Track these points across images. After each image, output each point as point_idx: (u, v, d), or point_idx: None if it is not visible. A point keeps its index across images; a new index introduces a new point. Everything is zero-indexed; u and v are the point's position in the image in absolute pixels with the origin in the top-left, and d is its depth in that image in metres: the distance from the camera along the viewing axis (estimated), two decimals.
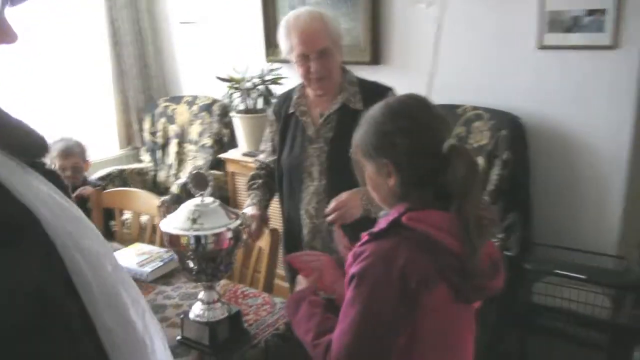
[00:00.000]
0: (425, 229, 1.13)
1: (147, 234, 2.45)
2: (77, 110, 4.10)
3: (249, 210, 2.01)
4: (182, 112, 3.98)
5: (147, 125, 4.11)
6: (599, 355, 2.32)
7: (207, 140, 3.78)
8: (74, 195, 2.60)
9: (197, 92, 4.07)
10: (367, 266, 1.14)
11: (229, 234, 1.49)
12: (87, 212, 2.63)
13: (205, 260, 1.50)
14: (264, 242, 2.02)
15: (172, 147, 3.97)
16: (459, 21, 2.89)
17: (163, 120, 4.04)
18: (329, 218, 1.82)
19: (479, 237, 1.14)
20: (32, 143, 0.75)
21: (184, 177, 3.58)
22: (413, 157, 1.17)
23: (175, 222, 1.49)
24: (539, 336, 2.46)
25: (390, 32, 3.17)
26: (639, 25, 2.39)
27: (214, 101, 3.85)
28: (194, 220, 1.48)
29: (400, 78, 3.13)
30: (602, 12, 2.46)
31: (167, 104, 4.08)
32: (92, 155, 3.97)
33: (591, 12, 2.49)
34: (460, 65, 2.94)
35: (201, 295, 1.59)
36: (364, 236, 1.21)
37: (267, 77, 3.40)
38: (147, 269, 1.98)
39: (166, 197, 2.22)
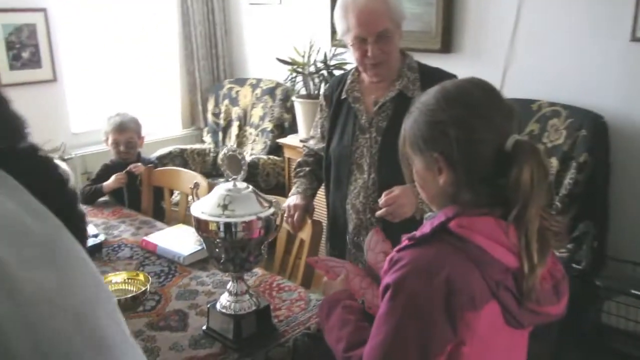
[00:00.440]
0: (476, 238, 0.96)
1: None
2: (143, 89, 4.16)
3: (293, 199, 1.91)
4: (245, 95, 3.94)
5: (210, 106, 4.11)
6: None
7: (268, 125, 3.72)
8: (125, 171, 2.59)
9: (262, 75, 4.02)
10: (404, 276, 0.98)
11: (260, 223, 1.38)
12: (137, 190, 2.62)
13: (233, 249, 1.41)
14: (305, 234, 1.91)
15: (234, 130, 3.94)
16: (541, 8, 2.65)
17: (226, 102, 4.02)
18: (378, 213, 1.67)
19: (540, 253, 0.97)
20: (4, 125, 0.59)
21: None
22: (469, 152, 0.99)
23: (206, 207, 1.41)
24: None
25: (464, 19, 2.96)
26: None
27: (278, 85, 3.78)
28: (224, 207, 1.39)
29: (472, 68, 2.92)
30: None
31: (232, 85, 4.05)
32: (155, 134, 4.04)
33: None
34: (539, 56, 2.69)
35: (229, 285, 1.50)
36: (404, 240, 1.04)
37: (331, 62, 3.28)
38: (184, 252, 1.92)
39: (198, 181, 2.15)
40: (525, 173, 0.94)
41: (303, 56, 3.33)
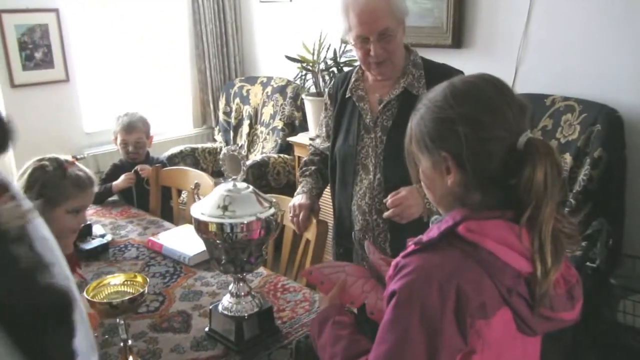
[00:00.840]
0: (486, 243, 0.91)
1: None
2: (155, 88, 4.18)
3: (298, 198, 1.88)
4: (256, 93, 3.93)
5: (221, 104, 4.11)
6: None
7: (278, 123, 3.70)
8: (133, 170, 2.60)
9: (272, 73, 4.00)
10: (410, 283, 0.93)
11: (260, 224, 1.36)
12: (145, 190, 2.62)
13: (233, 251, 1.39)
14: (311, 234, 1.89)
15: (244, 128, 3.94)
16: (554, 0, 2.58)
17: (237, 100, 4.01)
18: (386, 214, 1.64)
19: (554, 256, 0.92)
20: None
21: (251, 159, 3.53)
22: (479, 150, 0.94)
23: (206, 208, 1.39)
24: None
25: (475, 13, 2.90)
26: None
27: (288, 83, 3.76)
28: (225, 207, 1.37)
29: (483, 63, 2.88)
30: None
31: (243, 84, 4.04)
32: (166, 133, 4.05)
33: None
34: (552, 50, 2.63)
35: (231, 287, 1.48)
36: (410, 245, 0.99)
37: (341, 59, 3.25)
38: (190, 252, 1.91)
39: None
40: (539, 173, 0.90)
41: (313, 53, 3.30)
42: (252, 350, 1.43)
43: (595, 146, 2.28)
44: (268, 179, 3.38)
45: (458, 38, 2.97)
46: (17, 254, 0.55)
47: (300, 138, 3.40)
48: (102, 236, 2.07)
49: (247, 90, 3.98)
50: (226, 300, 1.48)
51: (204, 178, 2.38)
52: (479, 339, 0.92)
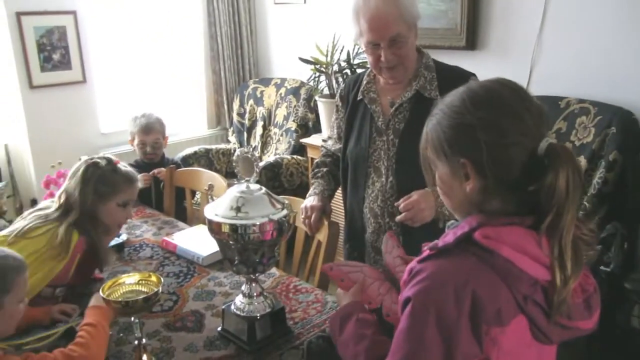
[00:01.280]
0: (503, 250, 0.90)
1: None
2: (170, 89, 4.22)
3: (310, 200, 1.89)
4: (270, 95, 3.95)
5: (235, 106, 4.13)
6: None
7: (292, 124, 3.71)
8: (150, 173, 2.63)
9: (286, 75, 4.02)
10: (425, 289, 0.92)
11: (272, 225, 1.38)
12: (161, 192, 2.66)
13: (246, 252, 1.40)
14: (322, 235, 1.90)
15: (258, 130, 3.96)
16: (569, 1, 2.57)
17: (251, 101, 4.04)
18: (398, 218, 1.64)
19: (574, 264, 0.91)
20: None
21: (265, 160, 3.55)
22: (499, 157, 0.93)
23: (219, 209, 1.41)
24: None
25: (490, 14, 2.90)
26: None
27: (302, 84, 3.78)
28: (238, 209, 1.39)
29: (498, 65, 2.88)
30: None
31: (257, 85, 4.07)
32: (181, 134, 4.09)
33: None
34: (567, 51, 2.62)
35: (244, 287, 1.50)
36: (425, 250, 0.99)
37: (354, 61, 3.25)
38: (203, 252, 1.93)
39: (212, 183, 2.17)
40: (561, 179, 0.89)
41: (326, 55, 3.31)
42: (264, 350, 1.45)
43: (610, 149, 2.26)
44: (281, 180, 3.40)
45: (472, 40, 2.97)
46: None
47: (314, 139, 3.41)
48: (118, 236, 2.09)
49: (261, 92, 4.01)
50: (239, 301, 1.49)
51: (217, 179, 2.40)
52: (494, 346, 0.91)
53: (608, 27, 2.46)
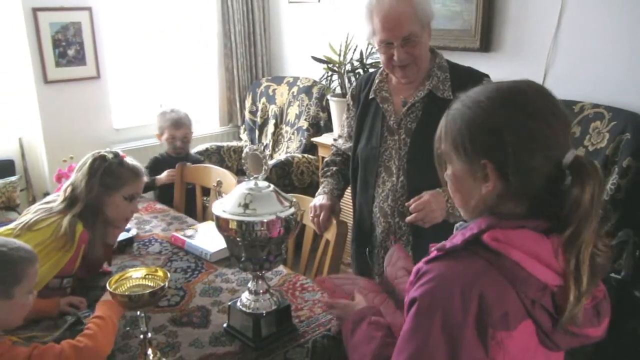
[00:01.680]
0: (512, 253, 0.89)
1: None
2: (183, 86, 4.24)
3: (319, 199, 1.89)
4: (282, 93, 3.96)
5: (248, 104, 4.14)
6: None
7: (303, 123, 3.71)
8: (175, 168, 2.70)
9: (299, 73, 4.02)
10: (431, 290, 0.91)
11: (280, 223, 1.37)
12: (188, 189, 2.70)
13: (253, 249, 1.40)
14: (330, 234, 1.89)
15: (270, 128, 3.97)
16: (585, 4, 2.54)
17: (264, 99, 4.04)
18: (408, 219, 1.63)
19: (590, 280, 0.90)
20: None
21: (275, 158, 3.56)
22: (524, 163, 0.91)
23: (227, 205, 1.41)
24: None
25: (504, 16, 2.88)
26: None
27: (314, 83, 3.78)
28: (245, 206, 1.39)
29: (512, 67, 2.85)
30: None
31: (269, 83, 4.07)
32: (193, 131, 4.10)
33: None
34: (583, 55, 2.59)
35: (250, 284, 1.50)
36: (432, 251, 0.97)
37: (367, 61, 3.24)
38: (211, 249, 1.94)
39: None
40: (587, 194, 0.88)
41: (339, 54, 3.30)
42: (269, 347, 1.45)
43: (624, 155, 2.23)
44: (292, 178, 3.40)
45: (486, 41, 2.95)
46: None
47: (325, 138, 3.41)
48: (127, 230, 2.10)
49: (274, 90, 4.01)
50: (245, 297, 1.50)
51: (227, 176, 2.41)
52: (500, 350, 0.90)
53: (624, 31, 2.43)
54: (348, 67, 3.29)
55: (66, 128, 3.64)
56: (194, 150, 3.68)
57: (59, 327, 1.48)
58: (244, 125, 4.19)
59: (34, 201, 3.59)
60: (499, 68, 2.81)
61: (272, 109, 3.98)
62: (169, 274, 1.37)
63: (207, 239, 2.02)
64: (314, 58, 3.35)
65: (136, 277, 1.36)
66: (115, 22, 3.86)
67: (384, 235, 1.80)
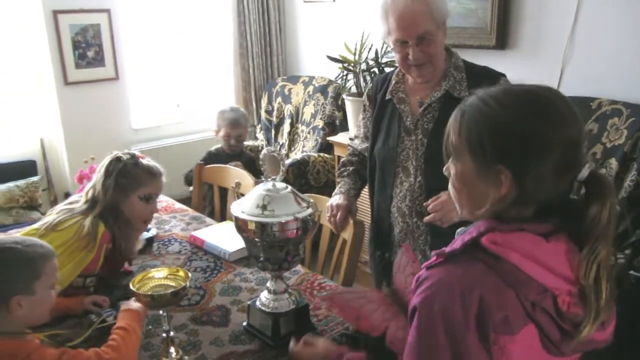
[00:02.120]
0: (511, 257, 0.89)
1: None
2: (199, 86, 4.28)
3: (336, 199, 1.91)
4: (298, 92, 3.98)
5: (263, 103, 4.17)
6: None
7: (319, 122, 3.73)
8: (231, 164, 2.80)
9: (314, 73, 4.04)
10: (432, 297, 0.90)
11: (297, 224, 1.40)
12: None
13: (271, 249, 1.43)
14: (347, 234, 1.91)
15: (286, 127, 3.99)
16: (604, 0, 2.52)
17: (279, 99, 4.07)
18: (427, 219, 1.64)
19: (607, 302, 0.90)
20: None
21: (292, 157, 3.58)
22: (544, 175, 0.90)
23: (246, 206, 1.44)
24: None
25: (520, 13, 2.86)
26: None
27: (330, 82, 3.79)
28: (264, 207, 1.41)
29: (528, 64, 2.84)
30: None
31: (285, 83, 4.10)
32: (210, 130, 4.13)
33: None
34: (600, 51, 2.57)
35: (269, 284, 1.52)
36: (433, 257, 0.96)
37: (383, 60, 3.25)
38: (230, 248, 1.97)
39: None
40: (605, 212, 0.89)
41: (354, 54, 3.31)
42: (288, 346, 1.47)
43: None
44: (308, 177, 3.42)
45: (502, 39, 2.93)
46: None
47: (341, 138, 3.42)
48: (148, 230, 2.14)
49: (289, 89, 4.04)
50: (264, 297, 1.52)
51: (245, 177, 2.43)
52: (503, 355, 0.89)
53: None
54: (363, 66, 3.30)
55: (86, 128, 3.71)
56: (210, 149, 3.71)
57: (83, 326, 1.52)
58: (259, 125, 4.22)
59: (55, 201, 3.66)
60: (515, 66, 2.80)
61: (288, 109, 4.01)
62: (190, 274, 1.40)
63: (225, 238, 2.05)
64: (330, 57, 3.37)
65: (158, 277, 1.39)
66: (133, 23, 3.91)
67: (402, 235, 1.82)
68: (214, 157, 3.00)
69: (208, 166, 2.71)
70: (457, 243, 0.95)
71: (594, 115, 2.44)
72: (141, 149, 3.86)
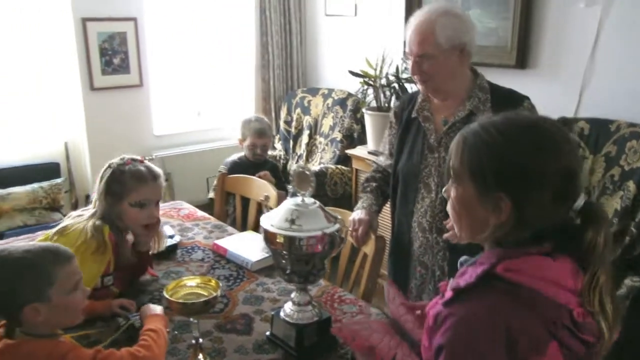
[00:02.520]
0: (527, 281, 0.93)
1: None
2: (220, 95, 4.36)
3: (358, 213, 1.96)
4: (317, 104, 4.04)
5: (283, 114, 4.23)
6: None
7: (337, 135, 3.79)
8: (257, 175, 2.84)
9: (334, 85, 4.10)
10: (458, 336, 0.92)
11: (325, 239, 1.44)
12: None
13: (298, 262, 1.48)
14: (368, 248, 1.95)
15: (304, 138, 4.04)
16: (623, 23, 2.55)
17: (298, 110, 4.13)
18: (446, 235, 1.68)
19: (615, 310, 0.95)
20: None
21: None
22: (544, 205, 0.95)
23: (275, 220, 1.49)
24: None
25: (541, 33, 2.90)
26: None
27: (349, 95, 3.84)
28: (292, 221, 1.46)
29: (548, 85, 2.87)
30: None
31: (305, 94, 4.16)
32: (229, 139, 4.21)
33: None
34: (620, 73, 2.60)
35: (293, 295, 1.57)
36: (448, 292, 0.98)
37: (403, 75, 3.30)
38: (252, 258, 2.01)
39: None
40: (601, 238, 0.94)
41: (375, 69, 3.37)
42: (311, 357, 1.51)
43: None
44: (325, 189, 3.47)
45: (522, 58, 2.97)
46: None
47: (358, 151, 3.47)
48: (171, 237, 2.20)
49: (309, 101, 4.09)
50: (288, 308, 1.56)
51: (269, 189, 2.48)
52: None
53: None
54: (383, 81, 3.35)
55: (109, 133, 3.78)
56: (229, 159, 3.76)
57: (110, 328, 1.58)
58: (278, 135, 4.28)
59: (76, 203, 3.74)
60: (534, 85, 2.84)
61: (307, 120, 4.06)
62: (220, 284, 1.45)
63: (247, 248, 2.10)
64: (352, 72, 3.42)
65: (190, 285, 1.45)
66: (158, 32, 4.00)
67: (421, 250, 1.86)
68: (238, 166, 3.05)
69: (231, 176, 2.77)
70: (468, 275, 0.98)
71: (612, 137, 2.47)
72: (161, 155, 3.94)
